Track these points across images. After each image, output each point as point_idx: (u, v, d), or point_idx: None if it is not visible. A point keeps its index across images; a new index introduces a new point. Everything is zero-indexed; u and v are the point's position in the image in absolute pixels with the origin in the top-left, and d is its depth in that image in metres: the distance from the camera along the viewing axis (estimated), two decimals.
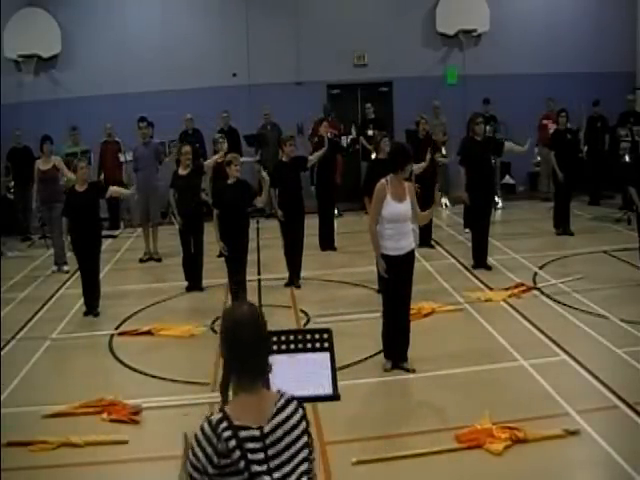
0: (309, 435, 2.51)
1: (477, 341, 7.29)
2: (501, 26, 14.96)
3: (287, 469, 2.41)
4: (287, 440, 2.43)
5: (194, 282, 9.48)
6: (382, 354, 6.70)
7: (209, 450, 2.34)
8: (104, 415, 5.86)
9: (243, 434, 2.36)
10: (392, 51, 14.82)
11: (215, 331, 7.97)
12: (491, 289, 8.88)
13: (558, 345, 6.96)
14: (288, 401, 2.50)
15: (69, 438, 5.43)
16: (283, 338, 3.78)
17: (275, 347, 3.77)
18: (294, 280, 9.47)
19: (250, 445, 2.36)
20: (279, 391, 2.53)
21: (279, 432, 2.42)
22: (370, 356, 6.85)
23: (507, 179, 15.20)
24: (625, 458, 4.79)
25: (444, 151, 13.25)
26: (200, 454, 2.34)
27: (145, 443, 5.53)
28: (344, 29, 14.74)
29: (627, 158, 12.62)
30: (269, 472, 2.37)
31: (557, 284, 8.94)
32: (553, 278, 9.18)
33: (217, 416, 2.39)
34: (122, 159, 13.25)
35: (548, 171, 13.18)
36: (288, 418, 2.45)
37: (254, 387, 2.47)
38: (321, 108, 14.05)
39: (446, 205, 14.60)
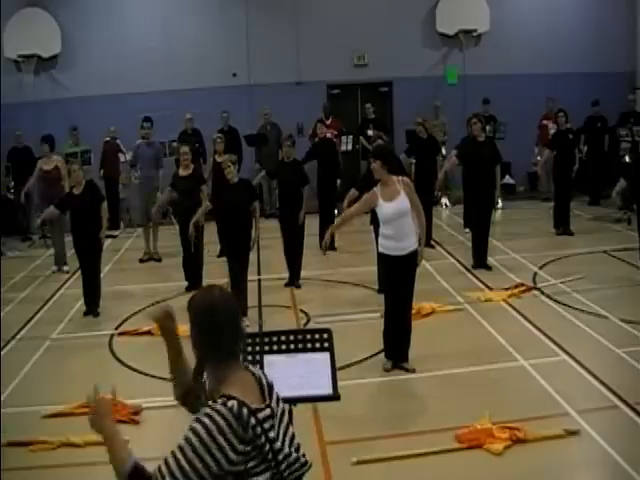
0: None
1: (477, 341, 7.29)
2: (501, 26, 14.95)
3: (291, 439, 2.40)
4: (283, 409, 2.45)
5: (194, 282, 9.45)
6: (382, 354, 6.70)
7: (232, 439, 2.21)
8: None
9: (260, 416, 2.29)
10: (392, 51, 14.79)
11: None
12: (491, 289, 8.88)
13: (558, 345, 6.96)
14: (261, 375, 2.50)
15: (69, 438, 5.43)
16: (283, 338, 3.78)
17: (275, 347, 3.78)
18: (294, 280, 9.47)
19: (266, 425, 2.31)
20: (247, 367, 2.50)
21: (281, 405, 2.44)
22: (370, 356, 6.85)
23: (507, 179, 15.18)
24: (625, 458, 4.79)
25: (444, 151, 13.25)
26: (218, 445, 2.20)
27: (145, 443, 5.51)
28: (344, 29, 14.72)
29: (627, 158, 12.62)
30: (285, 445, 2.36)
31: (557, 284, 8.93)
32: (553, 278, 9.18)
33: (233, 403, 2.25)
34: (122, 159, 13.29)
35: (548, 171, 13.16)
36: (274, 389, 2.47)
37: (243, 367, 2.46)
38: (321, 108, 14.06)
39: (446, 205, 14.61)
